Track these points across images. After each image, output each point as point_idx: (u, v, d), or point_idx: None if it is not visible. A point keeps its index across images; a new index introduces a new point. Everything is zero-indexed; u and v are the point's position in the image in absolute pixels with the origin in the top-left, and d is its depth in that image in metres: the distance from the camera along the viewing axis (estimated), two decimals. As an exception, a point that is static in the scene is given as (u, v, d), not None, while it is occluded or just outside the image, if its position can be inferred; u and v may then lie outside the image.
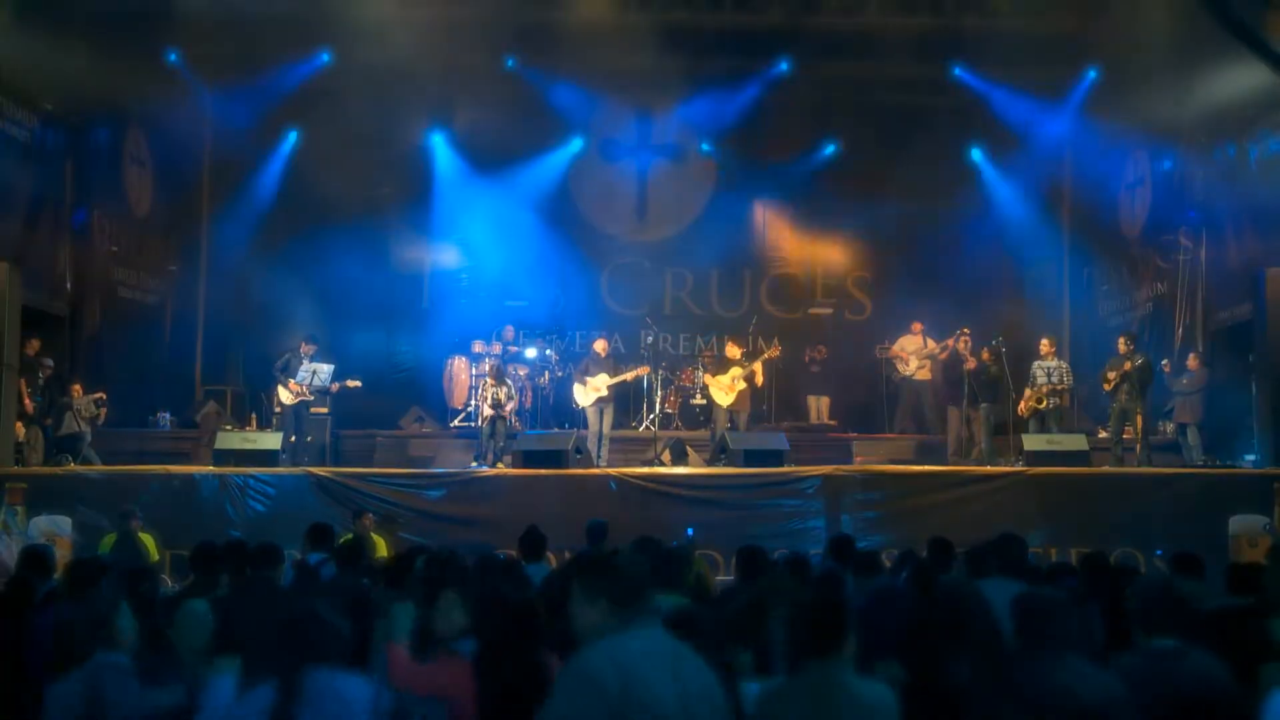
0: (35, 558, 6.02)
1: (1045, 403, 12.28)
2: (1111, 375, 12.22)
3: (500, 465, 11.94)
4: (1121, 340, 12.39)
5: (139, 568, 6.03)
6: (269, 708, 3.21)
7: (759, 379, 12.65)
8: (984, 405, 12.58)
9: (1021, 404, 12.42)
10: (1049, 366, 12.42)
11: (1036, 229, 15.90)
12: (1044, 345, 12.67)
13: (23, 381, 11.62)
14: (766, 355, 12.64)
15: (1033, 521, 9.95)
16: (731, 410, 12.30)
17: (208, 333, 15.96)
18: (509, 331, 14.88)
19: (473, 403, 13.52)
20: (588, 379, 12.60)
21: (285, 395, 12.53)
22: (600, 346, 12.92)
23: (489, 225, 15.72)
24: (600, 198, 16.77)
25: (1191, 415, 12.36)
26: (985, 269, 15.38)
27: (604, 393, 12.54)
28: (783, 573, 5.74)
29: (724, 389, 12.30)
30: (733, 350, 12.55)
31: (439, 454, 13.12)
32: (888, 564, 6.96)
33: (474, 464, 12.00)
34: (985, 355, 12.65)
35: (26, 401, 11.68)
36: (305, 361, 12.61)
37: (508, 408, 12.59)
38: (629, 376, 12.49)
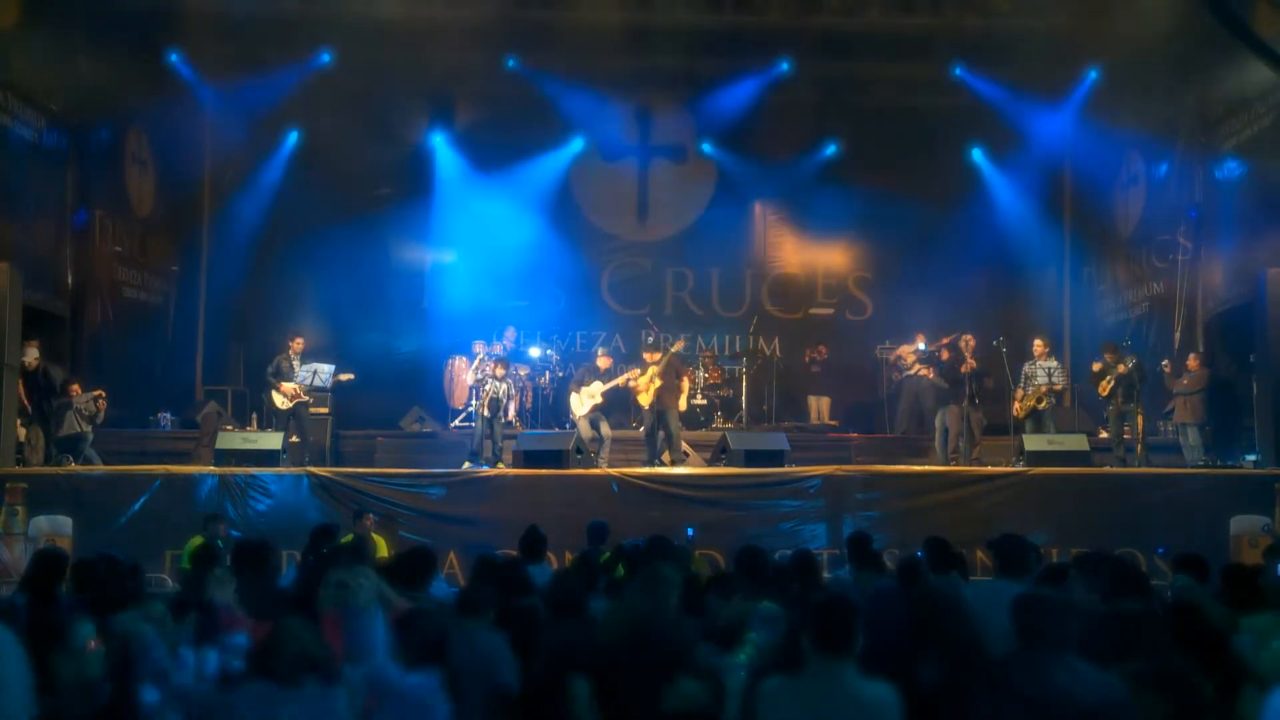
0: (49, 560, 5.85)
1: (1044, 403, 12.29)
2: (1105, 380, 12.27)
3: (501, 465, 11.91)
4: (1106, 355, 12.41)
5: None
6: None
7: (685, 378, 12.61)
8: (982, 406, 12.59)
9: (1016, 405, 12.41)
10: (1049, 367, 12.42)
11: (1037, 229, 15.91)
12: (1038, 346, 12.66)
13: (21, 381, 11.56)
14: (672, 350, 12.61)
15: (1034, 522, 9.91)
16: (657, 409, 12.25)
17: (208, 333, 15.96)
18: (510, 333, 14.86)
19: (473, 402, 13.49)
20: (583, 388, 12.53)
21: (279, 400, 12.43)
22: (602, 361, 12.86)
23: (489, 225, 15.71)
24: (601, 198, 16.77)
25: (1192, 415, 12.34)
26: (986, 269, 15.38)
27: (599, 400, 12.47)
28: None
29: (642, 390, 12.32)
30: (650, 355, 12.50)
31: (440, 454, 13.09)
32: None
33: (467, 463, 11.90)
34: (944, 354, 12.69)
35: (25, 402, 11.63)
36: (297, 360, 12.56)
37: (511, 407, 12.51)
38: (620, 382, 12.46)
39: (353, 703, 3.54)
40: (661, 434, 12.19)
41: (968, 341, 12.74)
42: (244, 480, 10.60)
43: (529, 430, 13.29)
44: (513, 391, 12.73)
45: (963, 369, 12.50)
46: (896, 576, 5.91)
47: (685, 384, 12.70)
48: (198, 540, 8.60)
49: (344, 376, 12.74)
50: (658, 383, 12.20)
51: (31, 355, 11.81)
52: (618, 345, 15.44)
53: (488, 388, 12.27)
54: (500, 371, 12.42)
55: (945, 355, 13.06)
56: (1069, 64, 14.42)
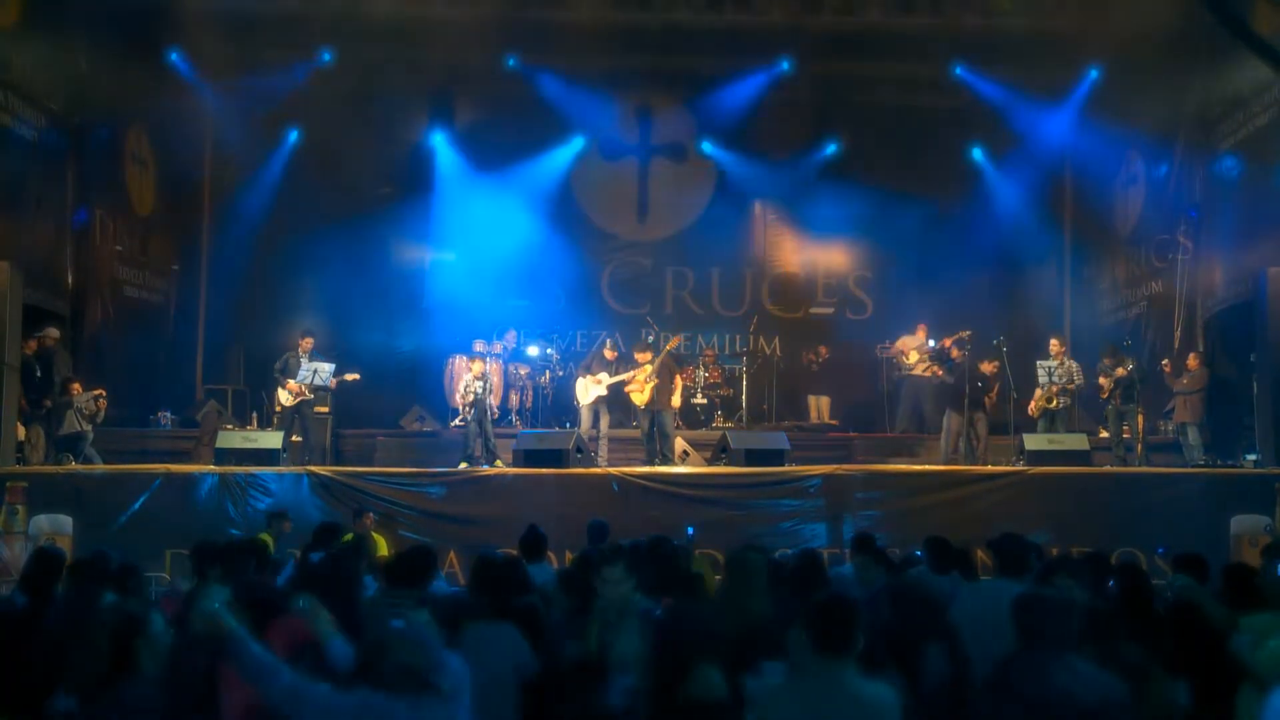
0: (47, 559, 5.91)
1: (1056, 402, 12.29)
2: (1104, 382, 12.29)
3: (499, 464, 11.90)
4: (1106, 359, 12.42)
5: (127, 564, 5.97)
6: None
7: (678, 376, 12.62)
8: (985, 406, 12.60)
9: (1031, 404, 12.43)
10: (1050, 366, 12.42)
11: (1037, 228, 15.89)
12: (1053, 345, 12.67)
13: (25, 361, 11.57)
14: (667, 347, 12.64)
15: (1034, 521, 9.89)
16: (652, 409, 12.27)
17: (208, 332, 15.95)
18: (510, 336, 14.85)
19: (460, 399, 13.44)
20: (590, 375, 12.59)
21: (284, 396, 12.49)
22: (610, 353, 12.89)
23: (490, 224, 15.70)
24: (601, 197, 16.77)
25: (1192, 415, 12.33)
26: (986, 268, 15.37)
27: (603, 392, 12.52)
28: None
29: (639, 389, 12.33)
30: (642, 355, 12.52)
31: (440, 453, 13.08)
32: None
33: (462, 464, 11.89)
34: (985, 368, 12.63)
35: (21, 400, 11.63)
36: (304, 359, 12.58)
37: (491, 401, 12.47)
38: (626, 377, 12.47)
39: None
40: (655, 430, 12.23)
41: (986, 371, 12.65)
42: (244, 479, 10.58)
43: (529, 429, 13.30)
44: (492, 387, 12.65)
45: (985, 373, 12.50)
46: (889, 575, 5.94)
47: (679, 381, 12.72)
48: (266, 537, 8.63)
49: (350, 377, 12.72)
50: (654, 382, 12.24)
51: (51, 333, 11.86)
52: (618, 344, 15.45)
53: (470, 388, 12.24)
54: (480, 369, 12.42)
55: (955, 354, 13.04)
56: (1069, 63, 14.43)
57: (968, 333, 13.27)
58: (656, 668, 3.83)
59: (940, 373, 13.33)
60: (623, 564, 4.91)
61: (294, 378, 12.49)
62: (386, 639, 3.54)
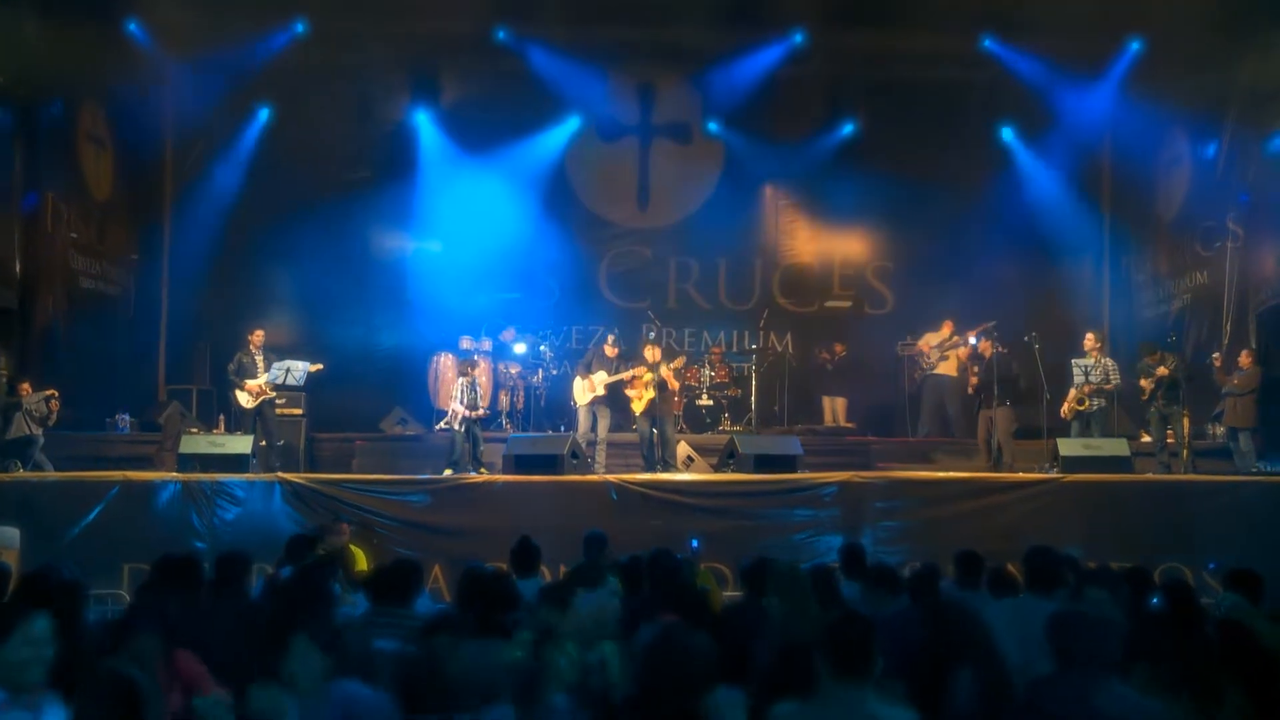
0: None
1: (1087, 404, 12.26)
2: (1144, 383, 12.25)
3: (483, 470, 11.87)
4: (1147, 357, 12.40)
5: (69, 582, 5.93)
6: None
7: (672, 383, 12.62)
8: (1007, 406, 12.56)
9: (1065, 404, 12.41)
10: (1087, 365, 12.39)
11: (1073, 214, 15.87)
12: (1088, 340, 12.65)
13: None
14: (673, 365, 12.62)
15: (1069, 533, 9.90)
16: (650, 415, 12.27)
17: (171, 327, 15.93)
18: (509, 333, 14.81)
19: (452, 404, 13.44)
20: (590, 375, 12.57)
21: (244, 399, 12.48)
22: (610, 350, 12.89)
23: (477, 211, 15.70)
24: (599, 181, 16.76)
25: (1243, 419, 12.26)
26: (1017, 258, 15.36)
27: (601, 392, 12.51)
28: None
29: (637, 396, 12.33)
30: (652, 352, 12.52)
31: (423, 458, 13.07)
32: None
33: (447, 471, 11.85)
34: (985, 348, 12.64)
35: None
36: (259, 355, 12.57)
37: (481, 409, 12.47)
38: (626, 376, 12.46)
39: None
40: (655, 434, 12.23)
41: (991, 343, 12.65)
42: (210, 487, 10.57)
43: (520, 433, 13.28)
44: (481, 391, 12.62)
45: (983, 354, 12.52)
46: (909, 594, 5.90)
47: (674, 383, 12.72)
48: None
49: (313, 368, 12.73)
50: (652, 393, 12.23)
51: None
52: (619, 340, 15.44)
53: (465, 396, 12.22)
54: (473, 372, 12.40)
55: (986, 348, 13.01)
56: (1109, 34, 14.42)
57: (992, 323, 13.25)
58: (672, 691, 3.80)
59: (976, 370, 13.34)
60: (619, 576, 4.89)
61: (251, 378, 12.46)
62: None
